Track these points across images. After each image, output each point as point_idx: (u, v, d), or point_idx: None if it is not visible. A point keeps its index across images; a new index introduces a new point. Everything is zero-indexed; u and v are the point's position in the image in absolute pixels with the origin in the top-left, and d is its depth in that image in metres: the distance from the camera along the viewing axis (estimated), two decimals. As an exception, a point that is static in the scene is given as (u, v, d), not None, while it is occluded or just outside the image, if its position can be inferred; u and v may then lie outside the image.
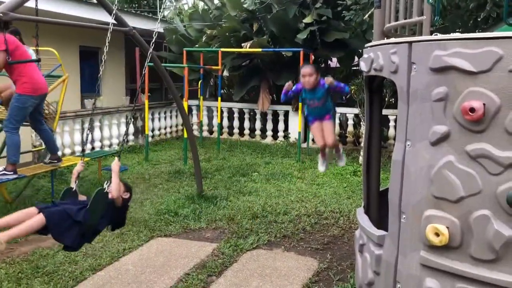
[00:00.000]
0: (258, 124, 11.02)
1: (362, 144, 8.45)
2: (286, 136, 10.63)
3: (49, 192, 6.03)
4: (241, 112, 11.27)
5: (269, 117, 10.85)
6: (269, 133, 10.87)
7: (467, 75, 1.96)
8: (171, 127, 11.48)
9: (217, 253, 4.31)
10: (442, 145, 2.07)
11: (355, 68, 11.58)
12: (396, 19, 2.75)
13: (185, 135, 8.10)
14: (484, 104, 1.91)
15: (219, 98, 10.08)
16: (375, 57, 2.53)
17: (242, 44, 9.90)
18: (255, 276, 3.84)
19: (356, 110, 9.23)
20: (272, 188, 6.63)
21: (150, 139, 10.07)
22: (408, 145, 2.23)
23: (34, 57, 5.22)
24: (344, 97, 11.74)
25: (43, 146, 6.27)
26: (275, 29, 10.06)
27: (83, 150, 8.55)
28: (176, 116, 11.57)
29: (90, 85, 12.06)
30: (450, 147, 2.04)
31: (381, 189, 3.05)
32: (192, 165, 6.71)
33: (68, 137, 8.17)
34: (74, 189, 3.21)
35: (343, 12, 8.21)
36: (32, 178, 6.17)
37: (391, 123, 9.12)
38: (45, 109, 5.87)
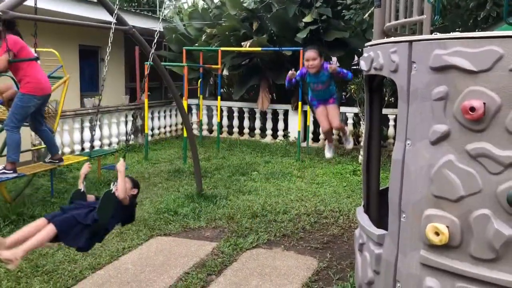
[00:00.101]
0: (257, 123, 11.02)
1: (361, 144, 8.45)
2: (285, 135, 10.63)
3: (48, 191, 6.03)
4: (240, 111, 11.26)
5: (269, 116, 10.85)
6: (269, 132, 10.87)
7: (467, 74, 1.96)
8: (170, 126, 11.48)
9: (216, 252, 4.31)
10: (442, 144, 2.07)
11: (355, 67, 11.58)
12: (396, 18, 2.75)
13: (185, 134, 8.09)
14: (484, 103, 1.91)
15: (219, 97, 10.08)
16: (375, 56, 2.53)
17: (242, 43, 9.89)
18: (254, 275, 3.84)
19: (356, 109, 9.23)
20: (272, 187, 6.63)
21: (149, 138, 10.07)
22: (408, 144, 2.23)
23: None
24: (343, 96, 11.75)
25: (43, 145, 6.28)
26: (275, 28, 10.06)
27: (81, 149, 8.55)
28: (176, 115, 11.57)
29: (89, 84, 12.07)
30: (450, 146, 2.04)
31: (380, 188, 3.05)
32: (192, 164, 6.71)
33: (67, 136, 8.17)
34: (82, 191, 3.27)
35: (343, 11, 8.20)
36: (33, 178, 6.17)
37: (391, 122, 9.12)
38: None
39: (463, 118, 1.97)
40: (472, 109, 1.92)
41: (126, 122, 9.87)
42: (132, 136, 10.08)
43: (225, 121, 11.22)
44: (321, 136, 10.04)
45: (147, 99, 9.05)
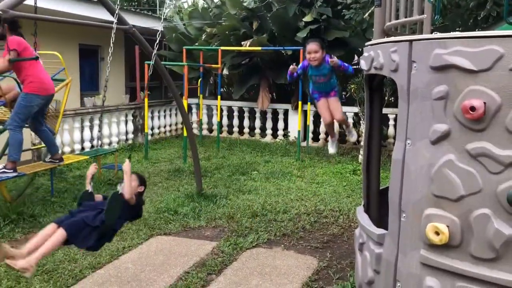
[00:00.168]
0: (257, 123, 11.02)
1: (361, 143, 8.45)
2: (285, 135, 10.63)
3: (48, 191, 6.02)
4: (240, 111, 11.26)
5: (269, 115, 10.85)
6: (269, 131, 10.87)
7: (467, 73, 1.96)
8: (170, 125, 11.48)
9: (216, 251, 4.31)
10: (442, 144, 2.07)
11: (355, 66, 11.57)
12: (397, 18, 2.75)
13: (185, 134, 8.09)
14: (484, 103, 1.91)
15: (219, 97, 10.07)
16: (376, 55, 2.53)
17: (242, 43, 9.89)
18: (254, 275, 3.84)
19: (355, 109, 9.22)
20: (272, 187, 6.63)
21: (149, 137, 10.07)
22: (409, 143, 2.23)
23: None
24: (343, 96, 11.74)
25: (43, 145, 6.28)
26: (275, 28, 10.05)
27: (81, 148, 8.54)
28: (176, 115, 11.56)
29: (89, 83, 12.07)
30: (451, 145, 2.04)
31: (380, 188, 3.05)
32: (192, 164, 6.71)
33: (67, 136, 8.16)
34: (90, 191, 3.33)
35: (343, 10, 8.20)
36: (34, 178, 6.18)
37: (391, 122, 9.12)
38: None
39: (463, 117, 1.97)
40: (473, 108, 1.92)
41: (126, 122, 9.87)
42: (132, 135, 10.07)
43: (225, 121, 11.22)
44: (321, 136, 10.04)
45: (147, 98, 9.04)
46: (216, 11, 11.71)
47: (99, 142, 8.63)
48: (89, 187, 3.37)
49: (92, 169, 3.46)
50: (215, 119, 10.95)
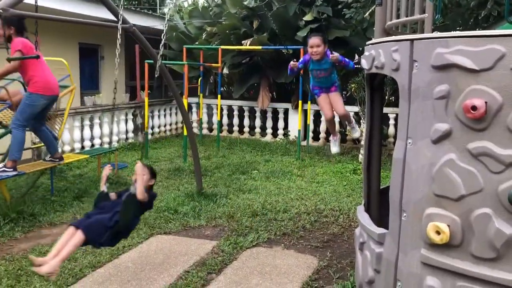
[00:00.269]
0: (258, 122, 11.02)
1: (362, 142, 8.45)
2: (285, 134, 10.63)
3: (48, 189, 6.02)
4: (240, 110, 11.26)
5: (269, 114, 10.85)
6: (269, 131, 10.87)
7: (469, 73, 1.96)
8: (170, 124, 11.48)
9: (216, 250, 4.31)
10: (443, 143, 2.06)
11: (356, 66, 11.56)
12: (398, 17, 2.74)
13: (185, 133, 8.09)
14: (486, 102, 1.90)
15: (219, 96, 10.07)
16: (377, 54, 2.52)
17: (242, 42, 9.89)
18: (255, 274, 3.84)
19: (356, 108, 9.22)
20: (272, 186, 6.63)
21: (149, 136, 10.06)
22: (410, 143, 2.22)
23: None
24: (344, 95, 11.74)
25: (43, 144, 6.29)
26: (275, 27, 10.05)
27: (81, 147, 8.54)
28: (176, 114, 11.56)
29: (89, 82, 12.07)
30: (452, 145, 2.04)
31: (381, 187, 3.05)
32: (192, 163, 6.71)
33: (67, 134, 8.16)
34: (105, 192, 3.54)
35: (344, 10, 8.19)
36: (38, 178, 6.19)
37: (391, 121, 9.12)
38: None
39: (465, 117, 1.97)
40: (474, 108, 1.91)
41: (126, 121, 9.87)
42: (132, 134, 10.07)
43: (225, 120, 11.22)
44: (322, 135, 10.04)
45: (147, 98, 9.03)
46: (217, 10, 11.71)
47: (89, 143, 8.62)
48: (104, 188, 3.55)
49: (106, 170, 3.64)
50: (215, 118, 10.95)
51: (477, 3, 5.59)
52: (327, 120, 4.80)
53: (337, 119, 9.91)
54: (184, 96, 8.51)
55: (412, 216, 2.21)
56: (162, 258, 4.14)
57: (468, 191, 1.99)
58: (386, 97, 8.74)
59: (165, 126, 11.25)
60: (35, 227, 4.85)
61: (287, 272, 3.88)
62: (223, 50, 9.89)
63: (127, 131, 9.91)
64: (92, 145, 8.76)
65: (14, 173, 5.09)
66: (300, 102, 8.95)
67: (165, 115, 11.23)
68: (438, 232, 2.04)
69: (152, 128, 10.71)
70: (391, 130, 9.12)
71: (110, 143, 9.23)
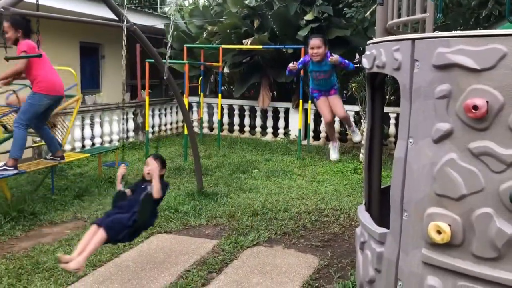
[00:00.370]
0: (258, 121, 11.02)
1: (363, 142, 8.45)
2: (286, 133, 10.63)
3: (49, 188, 6.02)
4: (241, 109, 11.26)
5: (270, 114, 10.84)
6: (270, 130, 10.87)
7: (470, 72, 1.96)
8: (171, 123, 11.48)
9: (217, 249, 4.31)
10: (444, 143, 2.06)
11: (356, 65, 11.55)
12: (399, 16, 2.74)
13: (186, 132, 8.09)
14: (487, 102, 1.90)
15: (220, 95, 10.07)
16: (378, 54, 2.52)
17: (243, 41, 9.88)
18: (255, 273, 3.84)
19: (357, 108, 9.21)
20: (273, 185, 6.63)
21: (150, 135, 10.06)
22: (411, 142, 2.22)
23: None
24: (344, 94, 11.73)
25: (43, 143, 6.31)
26: (276, 26, 10.04)
27: (82, 146, 8.54)
28: (177, 113, 11.57)
29: (90, 81, 12.07)
30: (453, 144, 2.04)
31: (381, 186, 3.05)
32: (192, 162, 6.71)
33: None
34: (123, 191, 3.70)
35: (345, 9, 8.19)
36: (45, 178, 6.21)
37: (392, 121, 9.11)
38: (51, 120, 6.12)
39: (466, 116, 1.97)
40: (475, 107, 1.91)
41: (127, 120, 9.87)
42: (133, 133, 10.07)
43: (225, 119, 11.22)
44: (322, 135, 10.03)
45: (148, 97, 9.04)
46: (217, 9, 11.71)
47: (89, 142, 8.62)
48: (120, 187, 3.70)
49: (122, 169, 3.77)
50: (216, 118, 10.95)
51: (478, 3, 5.59)
52: (326, 123, 4.77)
53: (337, 124, 9.91)
54: (184, 95, 8.51)
55: (413, 215, 2.21)
56: (163, 257, 4.14)
57: (469, 190, 1.99)
58: (387, 97, 8.74)
59: (165, 125, 11.25)
60: (35, 226, 4.85)
61: (287, 272, 3.88)
62: (223, 49, 9.89)
63: (127, 130, 9.91)
64: (93, 144, 8.76)
65: (15, 171, 5.10)
66: (300, 101, 8.94)
67: (165, 114, 11.24)
68: (439, 232, 2.04)
69: (153, 127, 10.72)
70: (391, 129, 9.11)
71: (110, 142, 9.24)
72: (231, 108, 11.37)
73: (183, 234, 4.73)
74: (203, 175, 6.60)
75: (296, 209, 5.51)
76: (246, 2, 10.71)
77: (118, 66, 12.75)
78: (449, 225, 2.03)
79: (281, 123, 10.69)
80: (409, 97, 2.22)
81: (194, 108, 11.57)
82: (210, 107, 11.63)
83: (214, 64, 10.14)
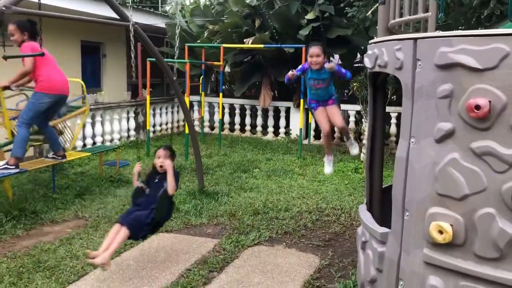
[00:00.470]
0: (259, 120, 11.01)
1: (364, 141, 8.43)
2: (287, 133, 10.62)
3: (50, 187, 6.02)
4: (242, 108, 11.25)
5: (271, 113, 10.84)
6: (270, 129, 10.86)
7: (473, 72, 1.95)
8: (172, 122, 11.48)
9: (218, 249, 4.31)
10: (447, 142, 2.06)
11: (357, 65, 11.56)
12: (401, 16, 2.74)
13: (187, 131, 8.09)
14: (489, 102, 1.90)
15: (221, 94, 10.06)
16: (380, 53, 2.52)
17: (244, 40, 9.88)
18: (256, 272, 3.83)
19: (358, 107, 9.21)
20: (274, 185, 6.62)
21: (151, 134, 10.06)
22: (413, 142, 2.22)
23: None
24: (345, 94, 11.72)
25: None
26: (277, 25, 10.04)
27: (83, 145, 8.54)
28: (178, 112, 11.57)
29: (91, 80, 12.06)
30: (455, 144, 2.03)
31: (383, 186, 3.05)
32: (193, 161, 6.70)
33: (69, 133, 8.15)
34: (140, 187, 3.88)
35: (346, 8, 8.18)
36: (53, 180, 6.25)
37: (393, 120, 9.10)
38: (58, 127, 6.27)
39: (468, 116, 1.96)
40: (478, 107, 1.91)
41: (128, 119, 9.87)
42: (134, 132, 10.07)
43: (226, 118, 11.22)
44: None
45: (149, 95, 9.04)
46: (219, 8, 11.70)
47: (90, 141, 8.63)
48: (137, 184, 3.90)
49: (137, 167, 3.96)
50: (217, 117, 10.95)
51: (480, 2, 5.58)
52: (323, 134, 4.69)
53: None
54: (185, 94, 8.51)
55: (415, 215, 2.21)
56: (164, 256, 4.14)
57: (471, 190, 1.98)
58: (388, 96, 8.73)
59: (166, 124, 11.25)
60: (37, 225, 4.85)
61: (288, 271, 3.88)
62: (225, 49, 9.89)
63: (128, 129, 9.91)
64: (94, 143, 8.76)
65: (16, 170, 5.11)
66: (301, 100, 8.94)
67: (166, 113, 11.23)
68: (441, 232, 2.04)
69: (154, 126, 10.71)
70: (392, 129, 9.10)
71: (111, 141, 9.24)
72: (232, 107, 11.37)
73: (184, 233, 4.73)
74: (204, 174, 6.60)
75: (297, 208, 5.50)
76: (247, 1, 10.71)
77: (119, 65, 12.76)
78: (451, 225, 2.03)
79: (282, 123, 10.69)
80: (411, 96, 2.22)
81: (195, 107, 11.56)
82: (211, 106, 11.62)
83: (215, 63, 10.14)
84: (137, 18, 10.07)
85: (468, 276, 2.01)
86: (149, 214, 3.68)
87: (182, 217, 5.11)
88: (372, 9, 7.17)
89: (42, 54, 4.98)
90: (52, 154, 5.77)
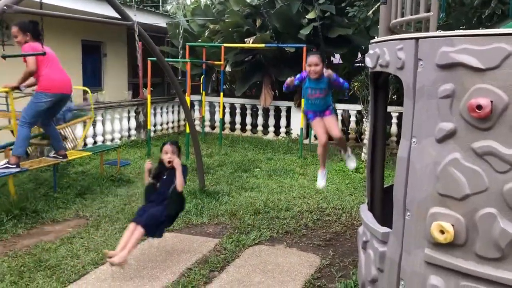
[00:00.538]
0: (260, 120, 11.01)
1: (364, 141, 8.43)
2: (288, 132, 10.62)
3: (51, 186, 6.02)
4: (243, 108, 11.25)
5: (271, 113, 10.84)
6: (271, 129, 10.86)
7: (474, 72, 1.95)
8: (173, 122, 11.48)
9: (219, 248, 4.31)
10: (448, 142, 2.06)
11: (358, 64, 11.55)
12: (402, 15, 2.73)
13: (187, 130, 8.09)
14: (491, 102, 1.90)
15: (221, 94, 10.06)
16: (381, 53, 2.51)
17: (245, 40, 9.88)
18: (257, 272, 3.84)
19: (359, 107, 9.20)
20: (274, 184, 6.62)
21: (152, 134, 10.07)
22: (414, 142, 2.22)
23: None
24: (346, 93, 11.71)
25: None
26: (278, 25, 10.03)
27: (84, 144, 8.54)
28: (178, 111, 11.56)
29: (92, 79, 12.08)
30: (456, 144, 2.03)
31: (384, 186, 3.05)
32: (194, 160, 6.70)
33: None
34: (151, 183, 4.00)
35: (347, 8, 8.18)
36: (63, 175, 6.33)
37: (394, 120, 9.10)
38: (63, 133, 6.42)
39: (470, 116, 1.96)
40: (479, 107, 1.90)
41: (128, 118, 9.87)
42: (135, 131, 10.07)
43: (227, 118, 11.22)
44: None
45: (150, 95, 9.04)
46: (219, 8, 11.70)
47: (91, 140, 8.65)
48: (148, 180, 4.00)
49: (148, 165, 4.02)
50: (218, 116, 10.95)
51: (481, 2, 5.57)
52: (320, 145, 4.61)
53: (339, 122, 9.90)
54: (186, 94, 8.51)
55: (416, 215, 2.20)
56: (165, 255, 4.14)
57: (472, 190, 1.98)
58: (389, 96, 8.72)
59: (167, 123, 11.25)
60: (37, 224, 4.86)
61: (289, 271, 3.88)
62: (225, 48, 9.88)
63: (129, 129, 9.91)
64: (95, 142, 8.76)
65: (17, 169, 5.12)
66: (302, 100, 8.92)
67: (167, 113, 11.23)
68: (442, 232, 2.04)
69: (155, 125, 10.71)
70: (393, 129, 9.10)
71: (112, 140, 9.24)
72: (233, 107, 11.36)
73: (185, 232, 4.73)
74: (205, 174, 6.60)
75: (298, 208, 5.50)
76: (248, 0, 10.70)
77: (120, 64, 12.77)
78: (452, 225, 2.03)
79: (283, 122, 10.68)
80: (413, 96, 2.22)
81: (196, 107, 11.56)
82: (212, 105, 11.62)
83: (216, 62, 10.13)
84: (138, 17, 10.08)
85: (469, 276, 2.00)
86: (162, 212, 3.82)
87: (183, 217, 5.10)
88: (373, 8, 7.16)
89: (43, 54, 4.99)
90: (54, 153, 5.78)
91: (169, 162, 3.93)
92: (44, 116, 5.36)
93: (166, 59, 7.28)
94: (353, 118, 9.76)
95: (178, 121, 11.66)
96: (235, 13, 10.37)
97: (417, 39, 2.18)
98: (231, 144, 9.81)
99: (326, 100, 4.49)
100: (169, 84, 13.92)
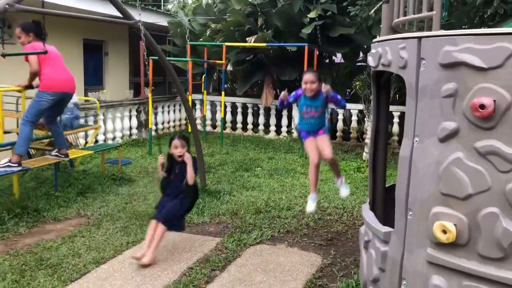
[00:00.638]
0: (261, 119, 11.00)
1: (366, 140, 8.43)
2: (289, 132, 10.61)
3: (52, 185, 6.03)
4: (244, 107, 11.25)
5: (273, 112, 10.83)
6: (272, 128, 10.86)
7: (477, 71, 1.94)
8: (174, 121, 11.48)
9: (220, 247, 4.31)
10: (451, 142, 2.05)
11: (360, 63, 11.54)
12: (405, 14, 2.73)
13: (189, 129, 8.09)
14: (494, 101, 1.89)
15: (223, 93, 10.06)
16: (383, 52, 2.51)
17: (247, 39, 9.87)
18: (258, 271, 3.83)
19: (360, 106, 9.20)
20: (276, 183, 6.62)
21: (153, 132, 10.07)
22: (416, 141, 2.21)
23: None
24: (348, 93, 11.71)
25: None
26: (279, 24, 10.02)
27: (85, 143, 8.55)
28: (180, 110, 11.57)
29: (93, 77, 12.09)
30: (459, 143, 2.02)
31: (385, 185, 3.04)
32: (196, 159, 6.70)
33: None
34: (165, 176, 4.13)
35: (349, 7, 8.17)
36: (72, 172, 6.44)
37: (395, 120, 9.09)
38: (69, 140, 6.48)
39: (473, 115, 1.95)
40: (482, 106, 1.90)
41: (130, 117, 9.87)
42: (136, 130, 10.08)
43: (228, 117, 11.21)
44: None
45: (151, 94, 9.04)
46: (221, 7, 11.69)
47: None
48: (162, 174, 4.13)
49: (160, 159, 4.13)
50: (219, 115, 10.94)
51: (483, 1, 5.56)
52: (312, 165, 4.47)
53: (340, 122, 9.89)
54: (188, 93, 8.51)
55: (418, 214, 2.20)
56: (166, 254, 4.14)
57: (475, 190, 1.98)
58: (391, 95, 8.71)
59: (168, 122, 11.25)
60: (39, 222, 4.86)
61: (290, 270, 3.87)
62: (227, 47, 9.88)
63: (131, 127, 9.91)
64: (96, 141, 8.77)
65: (19, 168, 5.12)
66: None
67: (168, 112, 11.23)
68: (444, 231, 2.03)
69: (156, 124, 10.72)
70: (395, 128, 9.09)
71: (113, 139, 9.25)
72: (234, 106, 11.36)
73: (186, 231, 4.72)
74: (206, 173, 6.60)
75: (299, 207, 5.50)
76: (249, -1, 10.70)
77: (122, 63, 12.77)
78: (455, 224, 2.02)
79: (284, 121, 10.68)
80: (415, 95, 2.21)
81: (197, 106, 11.56)
82: (213, 104, 11.62)
83: (218, 61, 10.13)
84: (139, 16, 10.09)
85: (472, 276, 2.00)
86: (179, 205, 4.02)
87: (184, 216, 5.11)
88: (375, 7, 7.15)
89: (45, 52, 4.99)
90: (55, 152, 5.78)
91: (180, 156, 4.03)
92: (47, 114, 5.39)
93: (167, 58, 7.28)
94: (354, 118, 9.76)
95: (179, 120, 11.66)
96: (236, 12, 10.36)
97: (419, 38, 2.17)
98: (232, 143, 9.81)
99: (320, 119, 4.39)
100: (171, 83, 13.93)
